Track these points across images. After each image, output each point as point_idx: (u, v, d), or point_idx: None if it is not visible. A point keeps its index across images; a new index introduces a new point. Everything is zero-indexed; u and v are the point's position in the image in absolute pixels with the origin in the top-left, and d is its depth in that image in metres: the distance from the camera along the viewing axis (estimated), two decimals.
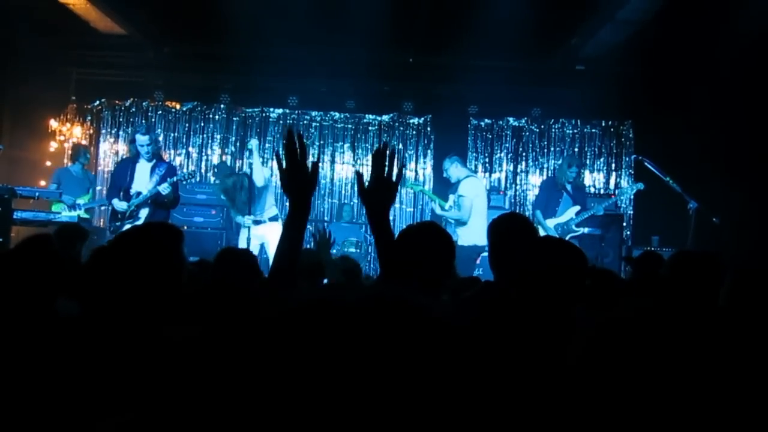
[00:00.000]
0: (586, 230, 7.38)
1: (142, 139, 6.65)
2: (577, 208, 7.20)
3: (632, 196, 9.37)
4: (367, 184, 2.28)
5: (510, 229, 2.85)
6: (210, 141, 10.24)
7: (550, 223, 7.19)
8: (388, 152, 2.26)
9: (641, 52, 7.89)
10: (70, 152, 8.82)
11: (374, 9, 7.07)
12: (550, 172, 10.05)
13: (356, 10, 7.14)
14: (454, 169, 7.25)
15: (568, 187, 7.34)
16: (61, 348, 1.72)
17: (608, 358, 1.13)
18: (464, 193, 6.91)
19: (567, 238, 6.99)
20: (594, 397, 1.12)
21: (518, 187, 10.17)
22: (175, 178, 6.67)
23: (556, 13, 7.35)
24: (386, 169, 2.25)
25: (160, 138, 10.05)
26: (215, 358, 1.53)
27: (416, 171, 10.19)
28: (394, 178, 2.26)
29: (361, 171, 2.30)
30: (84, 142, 9.62)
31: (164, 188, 6.55)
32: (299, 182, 2.09)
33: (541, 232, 7.17)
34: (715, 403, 1.11)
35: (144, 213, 6.69)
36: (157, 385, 1.57)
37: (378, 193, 2.27)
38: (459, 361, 0.82)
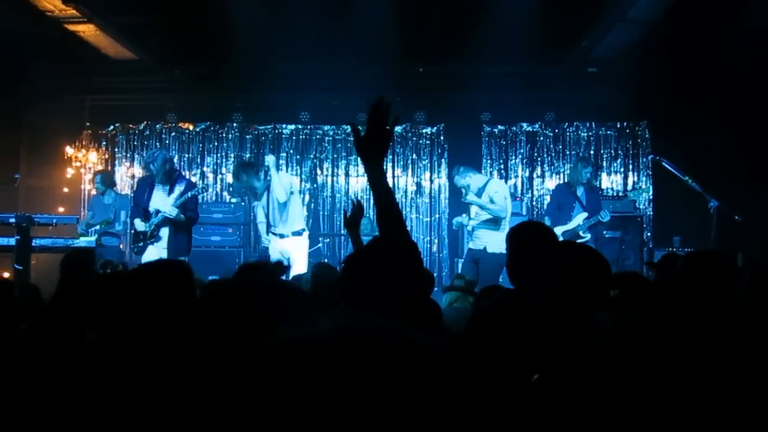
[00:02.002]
0: (605, 235, 7.29)
1: (158, 165, 6.55)
2: (585, 214, 7.10)
3: (644, 200, 9.33)
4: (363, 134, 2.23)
5: (528, 237, 2.83)
6: (224, 160, 10.28)
7: (558, 230, 7.06)
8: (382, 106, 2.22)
9: (654, 51, 7.81)
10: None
11: (382, 20, 7.04)
12: (566, 176, 9.96)
13: (364, 22, 7.12)
14: (471, 179, 6.95)
15: (581, 189, 7.23)
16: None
17: (638, 358, 1.11)
18: (498, 189, 6.68)
19: None
20: (624, 395, 1.11)
21: (535, 192, 10.09)
22: (189, 194, 6.54)
23: (566, 16, 7.30)
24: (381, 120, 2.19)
25: (175, 158, 10.12)
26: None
27: (431, 180, 10.15)
28: (387, 127, 2.20)
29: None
30: (100, 167, 9.73)
31: (170, 212, 6.43)
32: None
33: None
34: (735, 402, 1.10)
35: (165, 232, 6.54)
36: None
37: (373, 143, 2.22)
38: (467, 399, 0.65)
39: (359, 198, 4.28)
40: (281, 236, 6.92)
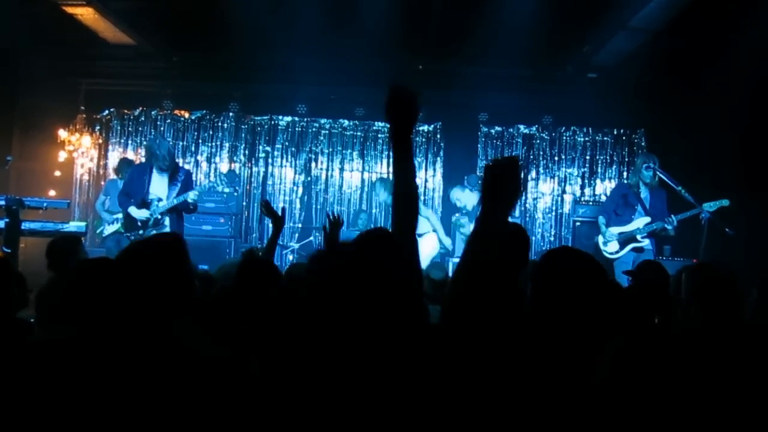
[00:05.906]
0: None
1: (164, 151, 6.55)
2: (647, 219, 6.75)
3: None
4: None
5: (567, 272, 2.76)
6: (219, 149, 10.23)
7: (614, 230, 6.83)
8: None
9: (654, 60, 7.79)
10: (116, 166, 8.80)
11: (384, 16, 7.03)
12: (560, 180, 9.97)
13: (365, 17, 7.11)
14: (467, 196, 7.09)
15: (645, 191, 6.88)
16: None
17: (638, 379, 1.11)
18: None
19: (629, 247, 6.76)
20: (622, 415, 1.12)
21: (529, 195, 10.08)
22: (198, 189, 6.70)
23: (568, 21, 7.28)
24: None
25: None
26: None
27: (425, 178, 10.12)
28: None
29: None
30: (93, 152, 9.66)
31: (193, 195, 6.53)
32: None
33: (600, 240, 6.97)
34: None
35: (168, 221, 6.60)
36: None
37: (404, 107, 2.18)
38: None
39: (338, 212, 4.36)
40: None
